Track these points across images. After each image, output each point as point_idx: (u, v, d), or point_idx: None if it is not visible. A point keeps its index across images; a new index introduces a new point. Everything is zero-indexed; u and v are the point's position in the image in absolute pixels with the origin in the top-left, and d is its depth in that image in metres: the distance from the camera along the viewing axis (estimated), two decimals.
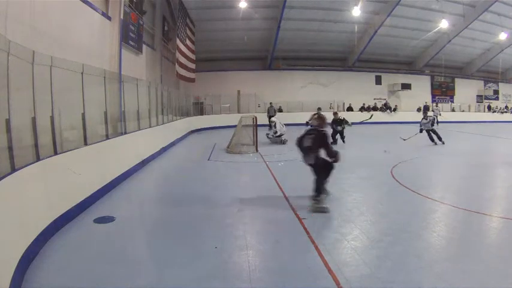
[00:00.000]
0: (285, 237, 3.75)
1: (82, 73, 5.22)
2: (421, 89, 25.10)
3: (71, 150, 4.54)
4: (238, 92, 21.90)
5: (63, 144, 4.56)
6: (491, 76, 26.76)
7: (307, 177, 6.95)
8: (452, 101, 26.05)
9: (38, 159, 3.79)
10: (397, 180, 6.29)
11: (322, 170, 4.79)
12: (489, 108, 26.25)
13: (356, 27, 19.90)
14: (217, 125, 19.08)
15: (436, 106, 23.16)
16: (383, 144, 12.65)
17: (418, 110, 24.02)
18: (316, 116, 5.32)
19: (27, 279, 2.85)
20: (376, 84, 24.79)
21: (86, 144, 5.17)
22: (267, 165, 8.02)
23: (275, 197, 5.33)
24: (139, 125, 8.40)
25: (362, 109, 23.23)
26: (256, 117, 10.86)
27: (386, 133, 16.93)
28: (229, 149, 10.29)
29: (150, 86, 10.22)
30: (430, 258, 3.19)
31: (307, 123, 8.38)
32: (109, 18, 9.50)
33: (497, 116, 24.51)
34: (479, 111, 26.01)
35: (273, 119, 12.55)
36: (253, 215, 4.59)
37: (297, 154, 9.41)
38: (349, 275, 2.86)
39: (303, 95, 22.84)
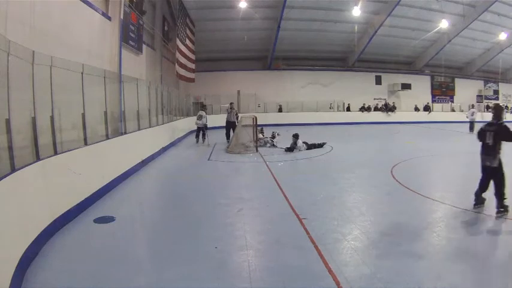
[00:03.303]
0: (285, 237, 3.74)
1: (82, 73, 5.22)
2: (421, 89, 25.13)
3: (71, 150, 4.54)
4: (238, 92, 21.91)
5: (63, 144, 4.56)
6: (491, 76, 26.77)
7: (307, 177, 6.98)
8: (452, 101, 26.07)
9: (38, 159, 3.79)
10: (397, 180, 6.29)
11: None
12: (488, 108, 26.29)
13: (356, 27, 19.92)
14: (217, 125, 19.07)
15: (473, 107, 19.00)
16: (383, 144, 12.66)
17: (416, 109, 24.07)
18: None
19: (27, 279, 2.85)
20: (376, 84, 24.82)
21: (86, 144, 5.17)
22: (267, 165, 8.01)
23: (275, 197, 5.33)
24: (139, 125, 8.40)
25: (362, 109, 23.26)
26: (256, 117, 10.86)
27: (386, 133, 16.94)
28: (229, 149, 10.29)
29: (150, 86, 10.22)
30: (430, 258, 3.19)
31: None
32: (109, 18, 9.50)
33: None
34: (479, 111, 26.05)
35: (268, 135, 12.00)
36: (253, 215, 4.59)
37: (296, 154, 9.44)
38: (349, 275, 2.86)
39: (303, 95, 22.87)
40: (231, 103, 13.20)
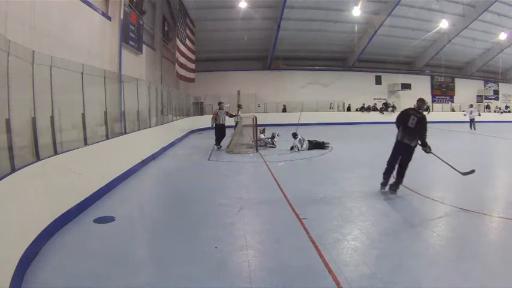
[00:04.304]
0: (285, 237, 3.74)
1: (82, 73, 5.22)
2: (421, 89, 25.04)
3: (71, 150, 4.54)
4: (238, 92, 21.89)
5: (63, 144, 4.56)
6: (491, 76, 26.77)
7: (307, 177, 6.98)
8: (452, 101, 26.07)
9: (38, 159, 3.79)
10: None
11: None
12: (488, 108, 26.31)
13: (356, 27, 19.91)
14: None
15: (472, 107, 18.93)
16: (383, 144, 12.65)
17: None
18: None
19: (27, 279, 2.85)
20: (376, 84, 24.82)
21: (86, 144, 5.17)
22: (267, 165, 8.01)
23: (275, 196, 5.32)
24: (139, 125, 8.40)
25: (362, 109, 23.24)
26: (256, 117, 10.86)
27: (386, 133, 16.93)
28: (229, 149, 10.28)
29: (150, 86, 10.22)
30: (430, 258, 3.19)
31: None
32: (109, 18, 9.51)
33: (496, 116, 24.52)
34: (479, 111, 26.07)
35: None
36: (253, 215, 4.59)
37: (296, 154, 9.45)
38: (349, 275, 2.86)
39: (303, 95, 22.86)
40: (219, 103, 11.52)
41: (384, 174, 5.53)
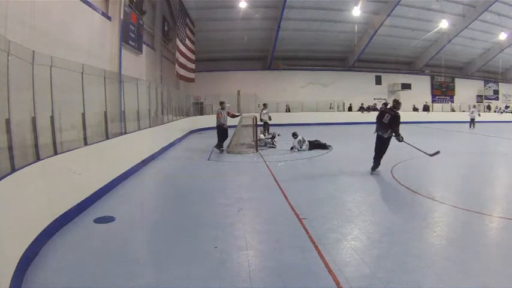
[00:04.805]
0: (285, 237, 3.74)
1: (82, 73, 5.22)
2: (421, 89, 25.14)
3: (71, 150, 4.54)
4: (238, 92, 21.92)
5: (63, 144, 4.56)
6: (491, 76, 26.78)
7: (307, 177, 6.98)
8: (452, 101, 26.07)
9: (38, 159, 3.79)
10: (397, 180, 6.29)
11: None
12: (489, 108, 26.32)
13: (356, 27, 19.94)
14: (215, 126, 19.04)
15: (474, 107, 19.88)
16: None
17: (415, 109, 24.03)
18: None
19: (27, 279, 2.85)
20: (376, 84, 24.84)
21: (86, 144, 5.17)
22: (267, 165, 8.01)
23: (275, 197, 5.33)
24: (139, 125, 8.40)
25: (362, 109, 23.23)
26: (256, 117, 10.84)
27: None
28: (229, 149, 10.27)
29: (150, 86, 10.22)
30: (430, 258, 3.19)
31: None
32: (109, 18, 9.51)
33: (497, 116, 24.50)
34: (479, 111, 26.08)
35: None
36: (253, 215, 4.59)
37: (296, 154, 9.45)
38: (349, 275, 2.86)
39: (303, 95, 22.89)
40: (220, 102, 10.75)
41: (373, 159, 6.92)
